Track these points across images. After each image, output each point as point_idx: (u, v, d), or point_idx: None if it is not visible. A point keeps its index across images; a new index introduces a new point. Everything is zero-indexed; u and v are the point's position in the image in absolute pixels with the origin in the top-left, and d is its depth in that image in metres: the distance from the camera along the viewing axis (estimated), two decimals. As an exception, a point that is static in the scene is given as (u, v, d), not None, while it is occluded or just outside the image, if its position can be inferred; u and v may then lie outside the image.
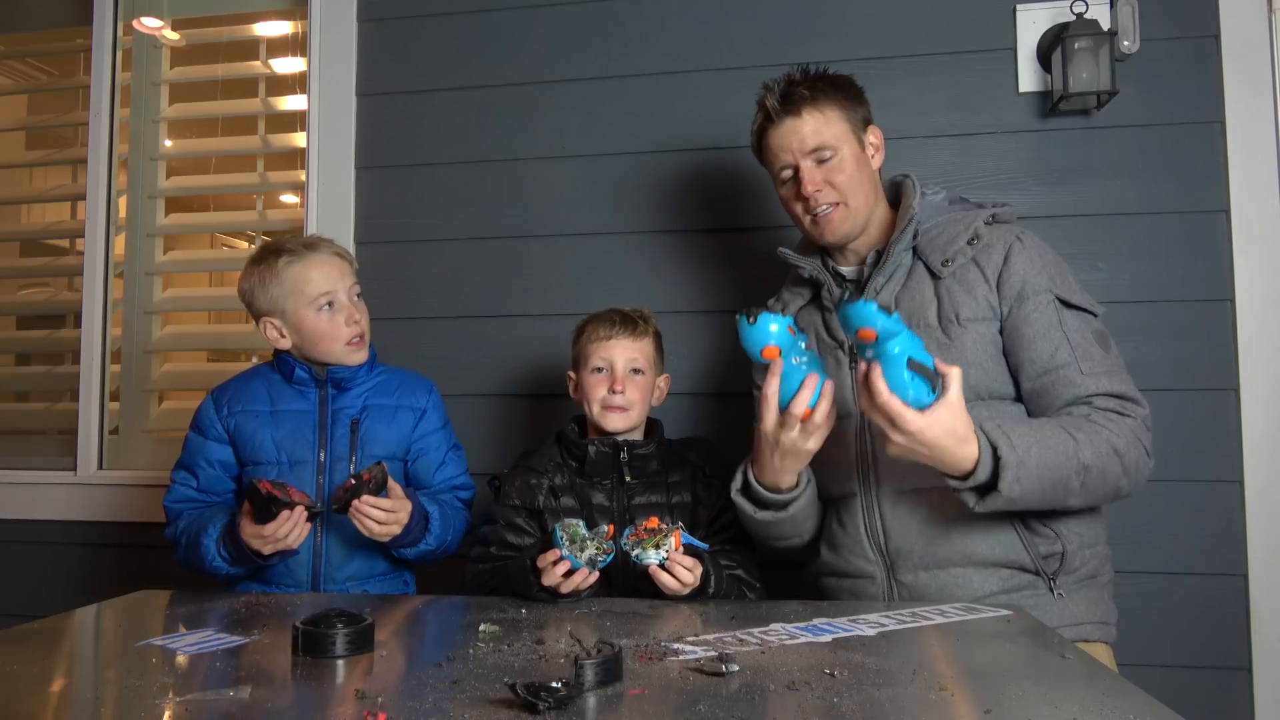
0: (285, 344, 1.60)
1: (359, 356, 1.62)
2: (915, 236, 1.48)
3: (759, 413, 1.35)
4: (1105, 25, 1.82)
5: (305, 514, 1.43)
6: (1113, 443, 1.29)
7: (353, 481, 1.45)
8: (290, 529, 1.42)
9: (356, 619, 1.05)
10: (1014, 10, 1.93)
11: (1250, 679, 1.77)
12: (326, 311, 1.58)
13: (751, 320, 1.29)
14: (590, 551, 1.30)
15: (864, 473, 1.45)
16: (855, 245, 1.52)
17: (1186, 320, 1.84)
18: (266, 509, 1.40)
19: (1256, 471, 1.79)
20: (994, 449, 1.23)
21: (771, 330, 1.28)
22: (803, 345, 1.31)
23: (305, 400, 1.61)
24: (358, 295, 1.63)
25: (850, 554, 1.46)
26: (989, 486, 1.24)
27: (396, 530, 1.47)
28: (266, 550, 1.43)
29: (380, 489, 1.45)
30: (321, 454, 1.58)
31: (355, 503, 1.43)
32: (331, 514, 1.48)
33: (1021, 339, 1.38)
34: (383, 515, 1.45)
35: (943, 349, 1.39)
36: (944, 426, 1.20)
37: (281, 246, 1.60)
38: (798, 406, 1.28)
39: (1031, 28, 1.91)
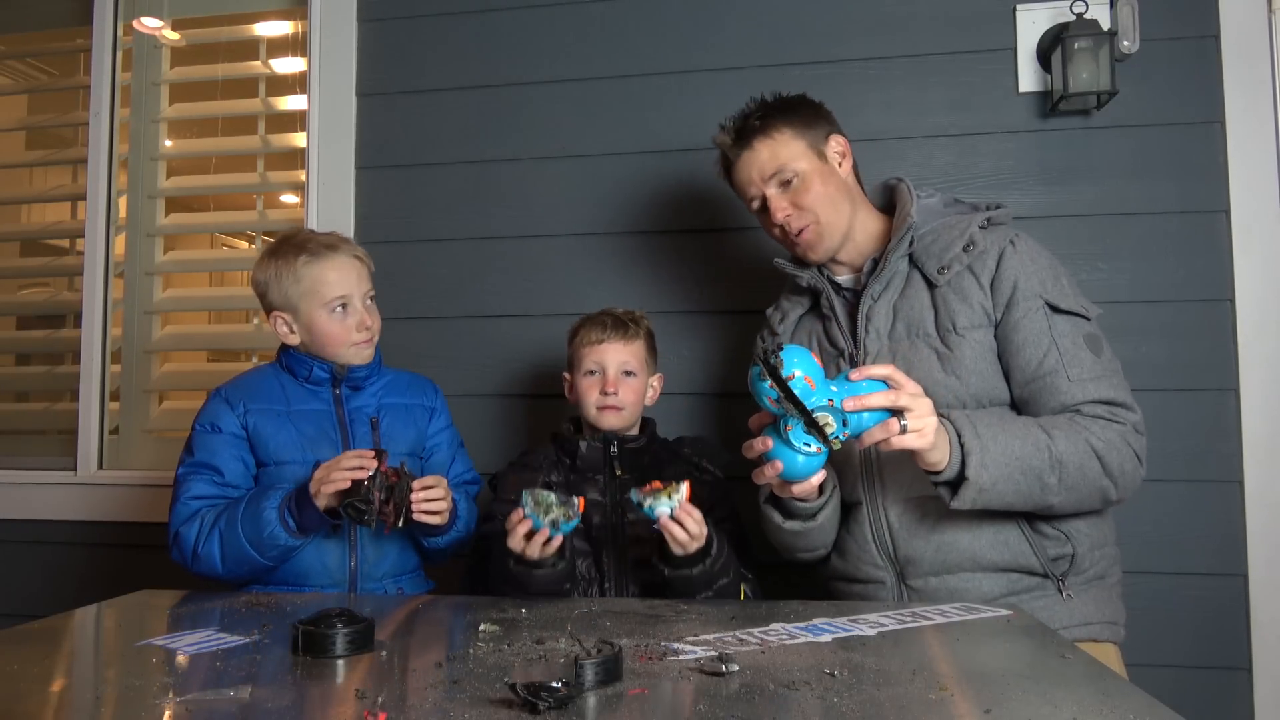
0: (294, 340, 1.59)
1: (364, 354, 1.61)
2: (911, 244, 1.47)
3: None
4: (1105, 25, 1.82)
5: (373, 469, 1.39)
6: (1091, 442, 1.29)
7: (388, 500, 1.40)
8: (358, 463, 1.39)
9: (356, 619, 1.05)
10: (1014, 10, 1.93)
11: (1250, 679, 1.77)
12: (339, 314, 1.57)
13: (760, 375, 1.20)
14: (554, 515, 1.31)
15: (869, 481, 1.45)
16: (847, 255, 1.53)
17: (1186, 320, 1.84)
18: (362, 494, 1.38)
19: (1256, 471, 1.79)
20: (959, 435, 1.24)
21: (765, 389, 1.19)
22: (783, 422, 1.22)
23: (319, 400, 1.60)
24: (371, 299, 1.63)
25: (860, 561, 1.47)
26: (960, 478, 1.25)
27: (449, 504, 1.48)
28: (329, 480, 1.40)
29: (413, 475, 1.45)
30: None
31: (412, 500, 1.42)
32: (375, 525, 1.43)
33: (1011, 345, 1.38)
34: (440, 492, 1.46)
35: (943, 359, 1.40)
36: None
37: (302, 244, 1.59)
38: (798, 489, 1.29)
39: (1031, 28, 1.91)
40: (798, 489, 1.29)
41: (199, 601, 1.43)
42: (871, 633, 1.13)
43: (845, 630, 1.14)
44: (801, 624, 1.17)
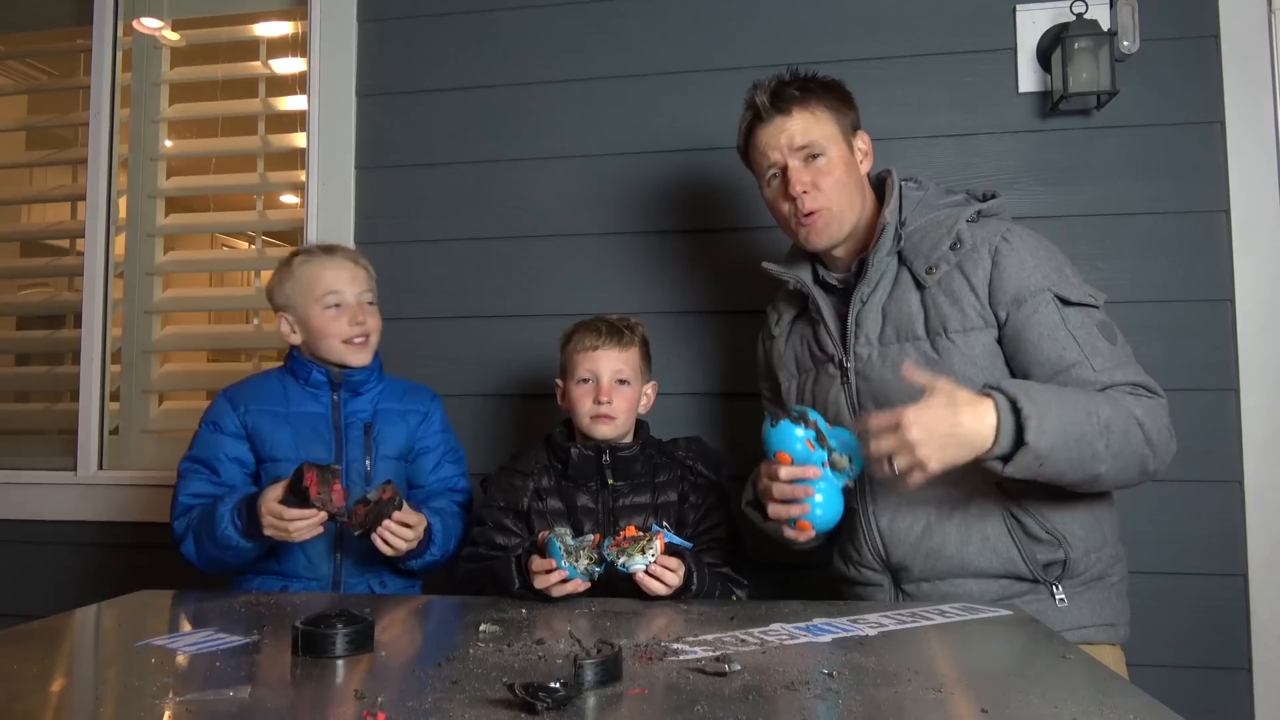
0: (295, 339, 1.66)
1: (360, 357, 1.65)
2: (900, 240, 1.45)
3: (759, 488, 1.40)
4: (1105, 25, 1.82)
5: (323, 519, 1.43)
6: (1132, 410, 1.26)
7: (364, 506, 1.43)
8: (301, 525, 1.42)
9: (356, 619, 1.05)
10: (1014, 10, 1.93)
11: (1250, 679, 1.77)
12: (332, 311, 1.63)
13: (774, 423, 1.31)
14: (585, 563, 1.34)
15: (861, 488, 1.44)
16: (843, 251, 1.50)
17: (1186, 320, 1.84)
18: (302, 495, 1.40)
19: (1256, 471, 1.79)
20: (1013, 403, 1.20)
21: (795, 436, 1.30)
22: (824, 458, 1.31)
23: (318, 403, 1.65)
24: (369, 302, 1.68)
25: (859, 565, 1.47)
26: (1015, 447, 1.21)
27: (408, 546, 1.50)
28: (267, 530, 1.43)
29: (400, 507, 1.47)
30: (338, 455, 1.62)
31: (385, 524, 1.45)
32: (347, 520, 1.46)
33: (1026, 343, 1.35)
34: (410, 534, 1.48)
35: (932, 364, 1.37)
36: (943, 403, 1.20)
37: (302, 249, 1.70)
38: (793, 524, 1.33)
39: (1031, 28, 1.91)
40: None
41: (199, 601, 1.43)
42: (871, 633, 1.13)
43: (845, 630, 1.14)
44: (801, 624, 1.17)
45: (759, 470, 1.39)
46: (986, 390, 1.24)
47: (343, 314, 1.63)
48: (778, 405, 1.64)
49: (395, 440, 1.67)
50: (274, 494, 1.43)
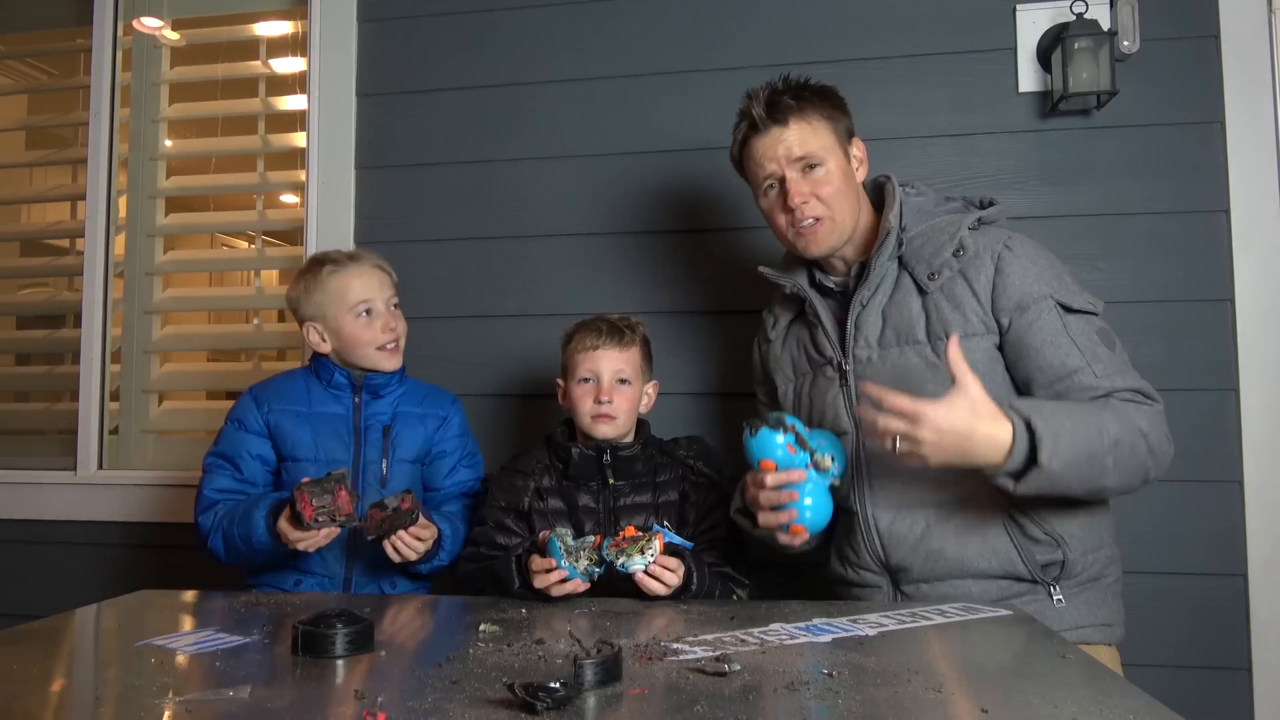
0: (325, 348, 1.67)
1: (393, 362, 1.68)
2: (900, 246, 1.45)
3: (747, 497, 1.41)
4: (1105, 25, 1.82)
5: (332, 533, 1.45)
6: (1137, 421, 1.27)
7: (381, 511, 1.45)
8: (308, 543, 1.45)
9: (356, 619, 1.06)
10: (1014, 10, 1.93)
11: (1250, 679, 1.77)
12: (364, 318, 1.65)
13: (753, 432, 1.33)
14: (585, 563, 1.35)
15: (860, 490, 1.44)
16: (841, 254, 1.50)
17: (1186, 320, 1.84)
18: (298, 518, 1.42)
19: (1256, 471, 1.79)
20: (1027, 423, 1.21)
21: (776, 443, 1.32)
22: (807, 460, 1.33)
23: (340, 404, 1.67)
24: (395, 306, 1.71)
25: (857, 567, 1.47)
26: (1026, 466, 1.22)
27: (415, 555, 1.51)
28: (287, 544, 1.47)
29: (416, 520, 1.48)
30: (356, 456, 1.64)
31: (399, 534, 1.47)
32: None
33: (1028, 349, 1.36)
34: (421, 547, 1.50)
35: (932, 368, 1.38)
36: (966, 410, 1.21)
37: (327, 258, 1.70)
38: (786, 529, 1.34)
39: (1031, 28, 1.91)
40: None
41: (199, 601, 1.43)
42: (871, 633, 1.13)
43: (845, 630, 1.14)
44: (801, 624, 1.17)
45: (745, 480, 1.40)
46: (1002, 409, 1.24)
47: (375, 321, 1.65)
48: (767, 411, 1.65)
49: (413, 443, 1.69)
50: (285, 513, 1.45)
